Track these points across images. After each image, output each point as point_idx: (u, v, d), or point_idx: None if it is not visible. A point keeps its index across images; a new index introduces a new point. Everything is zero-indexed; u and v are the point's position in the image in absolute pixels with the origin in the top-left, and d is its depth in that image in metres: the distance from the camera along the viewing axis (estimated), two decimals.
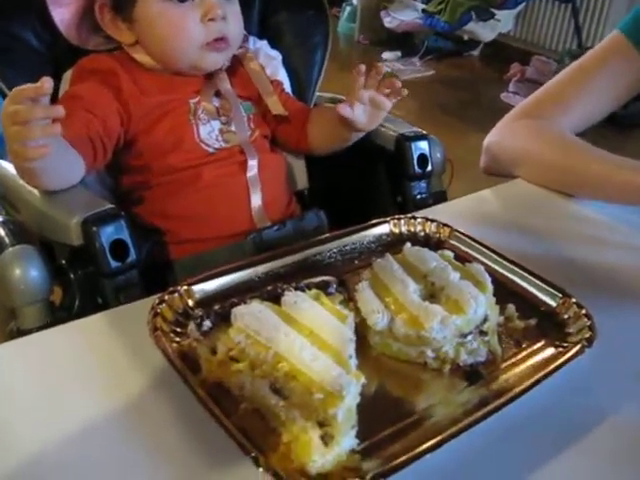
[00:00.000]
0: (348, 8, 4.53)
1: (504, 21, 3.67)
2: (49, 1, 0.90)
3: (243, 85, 1.01)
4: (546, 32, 4.01)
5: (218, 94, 0.97)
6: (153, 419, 0.57)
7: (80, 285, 0.80)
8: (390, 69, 3.87)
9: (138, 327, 0.64)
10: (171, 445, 0.55)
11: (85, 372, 0.62)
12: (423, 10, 3.76)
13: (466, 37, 3.90)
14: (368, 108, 0.91)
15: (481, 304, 0.65)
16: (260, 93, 1.02)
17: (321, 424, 0.52)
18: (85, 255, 0.76)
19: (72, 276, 0.80)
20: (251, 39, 1.09)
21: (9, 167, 0.88)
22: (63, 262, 0.80)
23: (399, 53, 4.11)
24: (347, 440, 0.53)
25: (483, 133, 1.06)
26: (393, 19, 4.09)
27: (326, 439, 0.52)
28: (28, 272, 0.76)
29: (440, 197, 1.04)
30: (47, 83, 0.63)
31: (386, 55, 4.09)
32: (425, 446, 0.52)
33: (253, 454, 0.50)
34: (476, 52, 4.23)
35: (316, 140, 1.04)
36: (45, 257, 0.79)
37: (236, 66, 1.02)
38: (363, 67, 0.88)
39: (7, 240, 0.79)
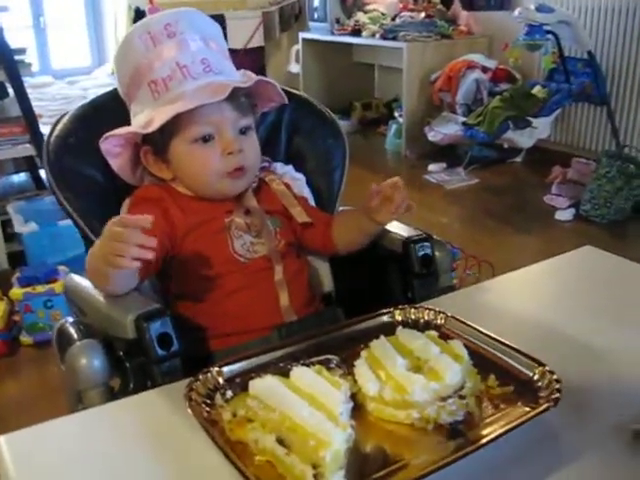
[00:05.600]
0: (394, 126, 4.83)
1: (541, 128, 3.85)
2: (105, 154, 1.12)
3: (269, 202, 1.19)
4: (584, 134, 4.16)
5: (248, 212, 1.15)
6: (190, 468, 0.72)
7: (134, 372, 0.96)
8: (436, 180, 4.08)
9: (179, 401, 0.79)
10: None
11: (138, 435, 0.78)
12: (463, 123, 3.98)
13: (506, 145, 4.09)
14: (385, 204, 1.07)
15: (456, 372, 0.78)
16: (285, 207, 1.19)
17: (314, 466, 0.66)
18: (138, 346, 0.93)
19: (127, 365, 0.97)
20: (278, 165, 1.29)
21: (80, 280, 1.08)
22: (121, 354, 0.97)
23: (444, 164, 4.31)
24: (336, 478, 0.66)
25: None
26: (436, 133, 4.33)
27: (317, 477, 0.65)
28: (92, 361, 0.95)
29: (448, 292, 1.17)
30: (149, 220, 0.87)
31: (432, 167, 4.29)
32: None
33: None
34: (519, 159, 4.40)
35: (340, 240, 1.20)
36: (106, 350, 0.97)
37: (262, 186, 1.21)
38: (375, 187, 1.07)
39: (76, 336, 0.98)
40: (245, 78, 1.12)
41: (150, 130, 1.05)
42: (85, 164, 1.15)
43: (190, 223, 1.11)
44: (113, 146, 1.11)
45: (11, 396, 2.15)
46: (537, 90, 3.87)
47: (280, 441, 0.69)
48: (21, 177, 3.39)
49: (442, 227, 3.42)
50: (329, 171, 1.32)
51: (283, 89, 1.20)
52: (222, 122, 1.09)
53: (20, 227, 2.73)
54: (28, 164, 3.29)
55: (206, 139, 1.09)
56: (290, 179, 1.26)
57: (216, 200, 1.14)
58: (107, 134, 1.09)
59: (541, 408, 0.76)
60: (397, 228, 1.18)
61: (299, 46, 5.47)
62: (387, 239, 1.18)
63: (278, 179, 1.22)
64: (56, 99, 4.54)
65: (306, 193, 1.29)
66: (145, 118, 1.07)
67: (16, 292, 2.35)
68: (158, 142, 1.10)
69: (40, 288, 2.36)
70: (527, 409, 0.78)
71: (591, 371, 0.88)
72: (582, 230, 3.30)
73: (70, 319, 1.05)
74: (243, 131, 1.12)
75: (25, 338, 2.37)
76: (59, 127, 1.16)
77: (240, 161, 1.11)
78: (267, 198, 1.19)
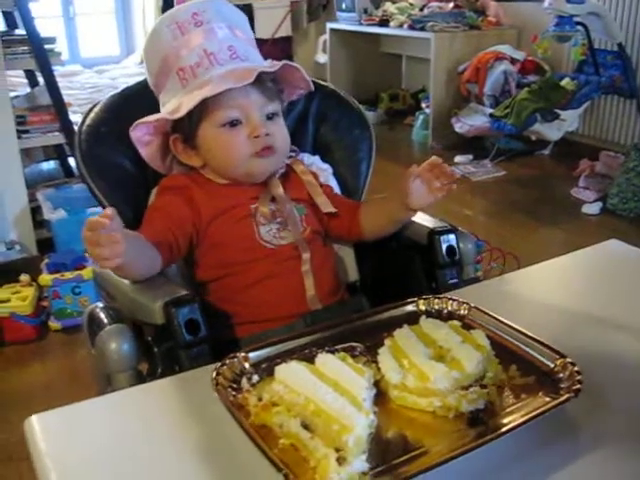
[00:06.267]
0: (421, 117, 4.81)
1: (570, 120, 3.82)
2: (135, 142, 1.14)
3: (296, 189, 1.20)
4: (613, 127, 4.12)
5: (274, 199, 1.16)
6: (214, 449, 0.74)
7: (162, 357, 0.99)
8: (462, 172, 4.06)
9: (206, 385, 0.81)
10: (227, 468, 0.72)
11: (164, 417, 0.80)
12: (490, 114, 3.95)
13: (533, 137, 4.05)
14: (422, 188, 1.06)
15: (478, 362, 0.79)
16: (311, 195, 1.20)
17: (337, 450, 0.67)
18: (166, 332, 0.95)
19: (156, 350, 0.99)
20: (305, 155, 1.30)
21: None
22: (149, 339, 1.00)
23: (470, 156, 4.29)
24: (358, 462, 0.67)
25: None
26: (463, 124, 4.31)
27: (340, 460, 0.67)
28: (121, 345, 0.97)
29: (472, 283, 1.17)
30: (110, 215, 0.85)
31: (458, 159, 4.28)
32: (424, 467, 0.67)
33: (283, 472, 0.65)
34: (547, 151, 4.36)
35: (367, 225, 1.21)
36: (135, 335, 1.00)
37: (289, 174, 1.22)
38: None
39: (106, 320, 1.01)
40: (271, 65, 1.13)
41: (178, 115, 1.07)
42: (116, 153, 1.17)
43: (215, 208, 1.12)
44: (143, 134, 1.13)
45: (39, 380, 2.19)
46: (566, 82, 3.84)
47: (304, 425, 0.71)
48: (50, 165, 3.44)
49: (467, 219, 3.41)
50: (356, 163, 1.33)
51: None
52: (249, 106, 1.10)
53: (49, 214, 2.77)
54: (57, 152, 3.34)
55: (234, 123, 1.10)
56: (317, 169, 1.28)
57: (244, 185, 1.16)
58: (137, 121, 1.11)
59: (562, 399, 0.76)
60: (422, 219, 1.19)
61: (326, 36, 5.47)
62: (412, 230, 1.19)
63: (305, 168, 1.23)
64: (85, 88, 4.60)
65: (332, 184, 1.30)
66: (173, 105, 1.10)
67: (45, 278, 2.40)
68: (186, 129, 1.12)
69: (68, 274, 2.41)
70: (548, 399, 0.78)
71: (613, 363, 0.89)
72: (609, 224, 3.27)
73: (100, 304, 1.08)
74: (270, 117, 1.13)
75: (53, 324, 2.41)
76: (91, 116, 1.19)
77: (267, 142, 1.12)
78: (294, 185, 1.20)
